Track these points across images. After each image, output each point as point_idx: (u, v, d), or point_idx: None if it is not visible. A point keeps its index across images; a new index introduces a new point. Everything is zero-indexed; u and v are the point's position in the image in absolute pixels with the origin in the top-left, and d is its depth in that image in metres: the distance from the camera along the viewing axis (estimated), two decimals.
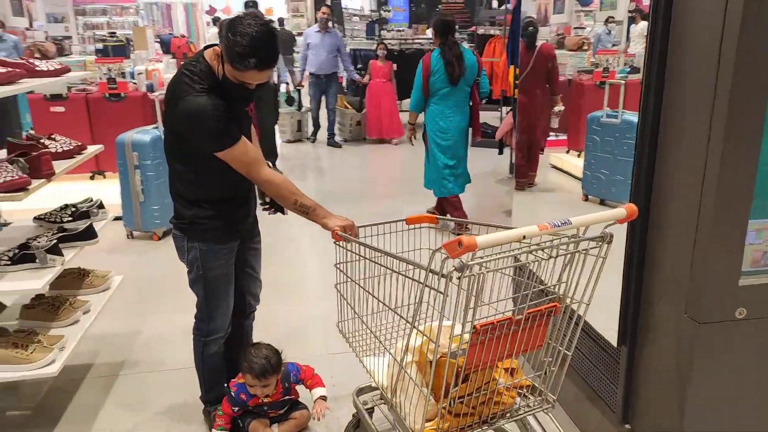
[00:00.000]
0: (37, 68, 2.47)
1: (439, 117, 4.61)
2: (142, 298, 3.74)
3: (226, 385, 2.48)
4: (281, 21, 14.79)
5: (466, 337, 1.66)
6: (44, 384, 2.81)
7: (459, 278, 1.53)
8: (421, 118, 4.83)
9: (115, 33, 11.88)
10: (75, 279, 2.86)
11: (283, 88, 8.30)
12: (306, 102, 8.83)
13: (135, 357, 3.09)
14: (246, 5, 10.69)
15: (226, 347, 2.46)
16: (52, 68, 2.52)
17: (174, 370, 2.92)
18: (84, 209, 2.82)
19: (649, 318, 1.84)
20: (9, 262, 2.27)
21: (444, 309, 1.62)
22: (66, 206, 2.85)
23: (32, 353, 2.23)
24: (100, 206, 2.91)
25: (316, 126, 8.62)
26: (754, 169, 1.53)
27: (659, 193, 1.74)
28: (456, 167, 4.71)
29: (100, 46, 10.97)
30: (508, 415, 1.93)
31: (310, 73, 8.02)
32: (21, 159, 2.24)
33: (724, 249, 1.58)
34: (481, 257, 1.56)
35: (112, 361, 3.05)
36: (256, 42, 1.96)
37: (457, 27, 5.43)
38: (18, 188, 2.09)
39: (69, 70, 2.61)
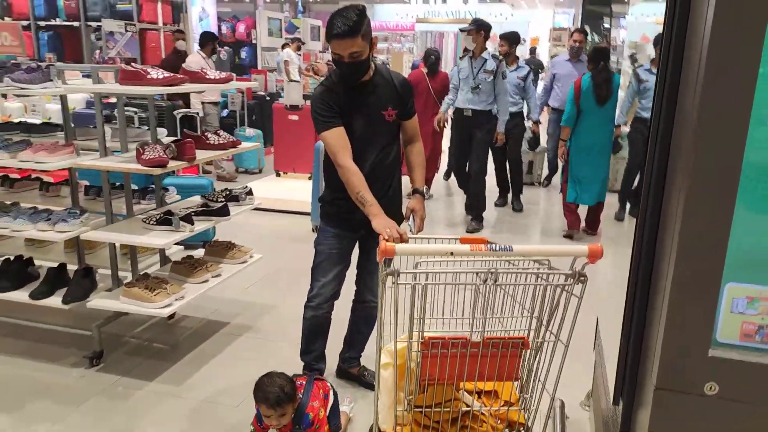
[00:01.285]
0: (207, 76, 3.16)
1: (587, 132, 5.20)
2: (294, 282, 4.33)
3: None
4: (533, 50, 14.84)
5: (414, 345, 1.74)
6: (181, 328, 3.53)
7: (393, 283, 1.63)
8: None
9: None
10: (223, 249, 3.51)
11: (529, 124, 6.82)
12: (543, 140, 7.54)
13: (263, 326, 3.65)
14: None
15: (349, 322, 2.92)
16: (218, 77, 3.19)
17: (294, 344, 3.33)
18: (236, 194, 3.46)
19: (638, 380, 1.66)
20: (155, 223, 2.96)
21: (392, 315, 1.73)
22: (226, 189, 3.53)
23: (156, 296, 2.87)
24: (249, 193, 3.53)
25: (552, 169, 7.45)
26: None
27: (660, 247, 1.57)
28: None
29: None
30: None
31: (552, 108, 6.89)
32: (173, 145, 2.91)
33: (687, 308, 1.40)
34: (422, 269, 1.64)
35: (243, 323, 3.66)
36: (334, 14, 2.37)
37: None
38: (157, 165, 2.75)
39: (232, 79, 3.26)
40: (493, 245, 1.59)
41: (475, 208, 5.83)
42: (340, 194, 2.55)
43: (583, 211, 5.57)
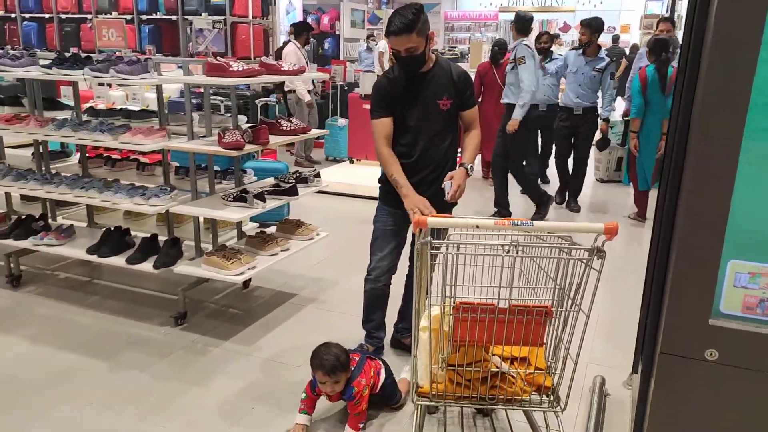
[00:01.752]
0: (281, 69, 3.46)
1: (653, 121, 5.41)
2: (358, 260, 4.60)
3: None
4: (615, 38, 14.27)
5: (447, 309, 1.94)
6: (254, 297, 3.89)
7: (426, 253, 1.83)
8: None
9: (455, 47, 13.42)
10: (292, 226, 3.83)
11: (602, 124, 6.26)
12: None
13: (327, 299, 3.94)
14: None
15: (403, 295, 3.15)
16: (291, 69, 3.49)
17: (355, 315, 3.58)
18: (305, 176, 3.77)
19: (653, 349, 1.79)
20: (232, 200, 3.30)
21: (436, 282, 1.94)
22: (296, 172, 3.84)
23: (231, 264, 3.21)
24: (317, 176, 3.83)
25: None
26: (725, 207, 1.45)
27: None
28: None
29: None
30: (511, 402, 2.09)
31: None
32: (249, 130, 3.24)
33: (691, 282, 1.52)
34: (454, 242, 1.84)
35: (309, 296, 3.97)
36: (393, 13, 2.61)
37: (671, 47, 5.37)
38: (234, 147, 3.08)
39: (304, 71, 3.55)
40: (515, 221, 1.76)
41: (574, 194, 6.18)
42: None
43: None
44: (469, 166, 2.81)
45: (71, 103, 4.28)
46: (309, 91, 7.77)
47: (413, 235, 2.97)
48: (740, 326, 1.50)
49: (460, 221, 1.84)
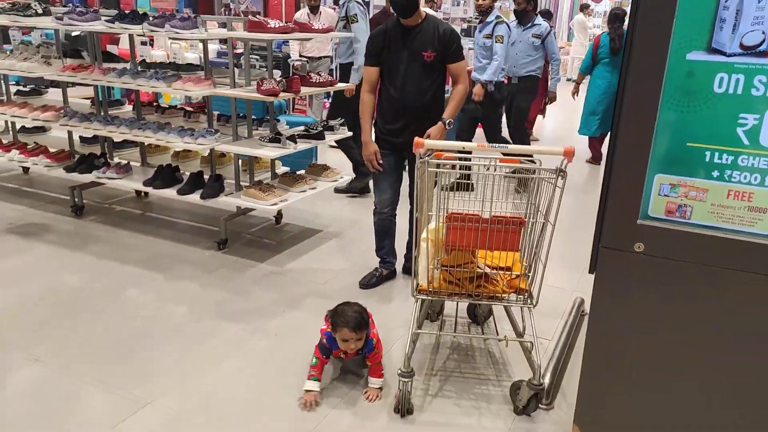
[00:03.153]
0: (312, 27, 3.92)
1: (599, 77, 6.65)
2: None
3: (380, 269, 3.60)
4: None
5: (441, 218, 2.43)
6: (284, 231, 4.43)
7: (424, 171, 2.31)
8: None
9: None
10: (319, 169, 4.34)
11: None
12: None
13: (348, 234, 4.46)
14: None
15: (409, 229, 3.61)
16: (322, 27, 3.95)
17: (372, 247, 4.12)
18: (331, 125, 4.25)
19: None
20: (267, 141, 3.81)
21: (431, 197, 2.42)
22: (324, 121, 4.32)
23: (267, 196, 3.74)
24: (343, 125, 4.31)
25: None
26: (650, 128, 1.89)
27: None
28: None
29: None
30: (493, 299, 2.58)
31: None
32: (284, 79, 3.72)
33: (624, 190, 1.98)
34: (442, 161, 2.32)
35: (333, 231, 4.49)
36: None
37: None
38: (271, 93, 3.57)
39: (332, 30, 4.01)
40: (494, 144, 2.23)
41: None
42: (385, 121, 3.30)
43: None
44: (448, 121, 3.24)
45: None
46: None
47: (409, 172, 3.46)
48: (661, 225, 1.95)
49: (449, 143, 2.31)
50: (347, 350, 2.53)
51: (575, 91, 6.92)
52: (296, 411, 2.46)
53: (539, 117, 7.80)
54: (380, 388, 2.58)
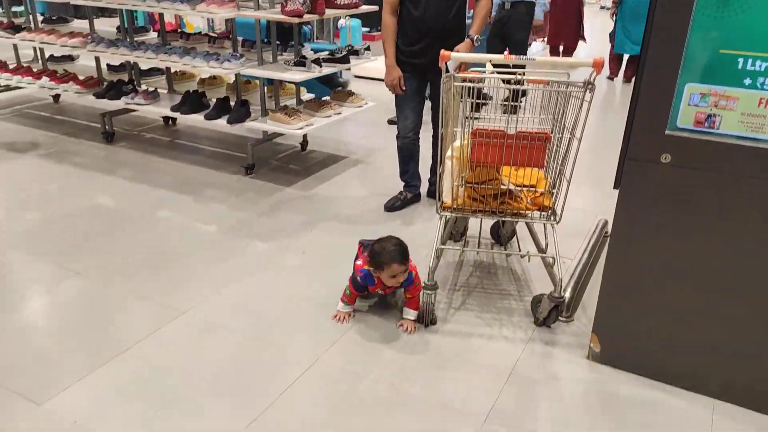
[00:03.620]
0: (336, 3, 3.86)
1: None
2: None
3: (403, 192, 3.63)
4: None
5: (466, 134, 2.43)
6: (310, 158, 4.47)
7: (451, 85, 2.31)
8: None
9: None
10: (344, 95, 4.33)
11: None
12: None
13: (373, 160, 4.49)
14: None
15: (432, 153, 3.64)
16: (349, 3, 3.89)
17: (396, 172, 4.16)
18: (356, 50, 4.21)
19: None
20: (293, 65, 3.80)
21: (460, 112, 2.42)
22: (349, 45, 4.28)
23: (292, 120, 3.77)
24: (368, 49, 4.26)
25: None
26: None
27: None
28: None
29: None
30: (516, 215, 2.61)
31: None
32: (308, 1, 3.67)
33: (654, 100, 1.96)
34: (471, 75, 2.30)
35: (358, 158, 4.53)
36: None
37: None
38: (295, 15, 3.54)
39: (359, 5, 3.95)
40: (521, 56, 2.20)
41: None
42: (406, 43, 3.25)
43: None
44: (475, 37, 3.18)
45: None
46: None
47: (431, 95, 3.44)
48: (689, 135, 1.94)
49: (476, 55, 2.29)
50: (394, 285, 2.48)
51: (614, 13, 7.19)
52: (322, 322, 2.57)
53: (581, 42, 7.64)
54: (416, 321, 2.54)
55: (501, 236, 3.25)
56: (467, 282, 2.90)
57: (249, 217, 3.50)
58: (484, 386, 2.20)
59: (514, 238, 3.24)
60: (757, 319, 2.03)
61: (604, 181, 3.97)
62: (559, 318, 2.59)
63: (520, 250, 3.03)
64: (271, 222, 3.46)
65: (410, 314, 2.55)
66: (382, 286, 2.53)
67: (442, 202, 2.66)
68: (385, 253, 2.42)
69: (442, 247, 2.70)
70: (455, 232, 3.22)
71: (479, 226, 3.23)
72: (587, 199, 3.82)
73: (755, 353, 2.06)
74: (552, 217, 2.58)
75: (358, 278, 2.52)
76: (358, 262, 2.56)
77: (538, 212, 2.60)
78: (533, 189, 2.64)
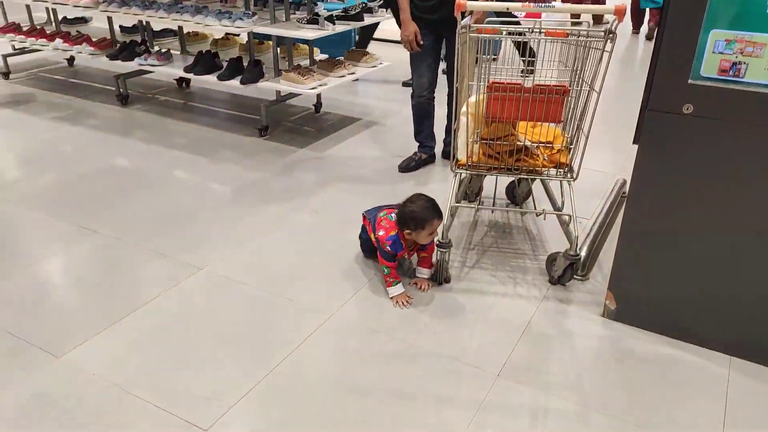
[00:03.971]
0: None
1: None
2: None
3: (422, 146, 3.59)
4: None
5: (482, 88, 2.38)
6: (324, 120, 4.43)
7: (465, 36, 2.25)
8: None
9: None
10: (358, 54, 4.27)
11: None
12: None
13: (388, 122, 4.44)
14: None
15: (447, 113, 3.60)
16: None
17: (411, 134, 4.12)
18: (370, 7, 4.13)
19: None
20: (305, 23, 3.74)
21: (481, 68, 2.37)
22: (362, 3, 4.20)
23: (306, 80, 3.72)
24: (382, 6, 4.18)
25: None
26: None
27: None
28: None
29: None
30: (532, 173, 2.57)
31: None
32: None
33: (677, 48, 1.89)
34: (487, 25, 2.24)
35: (373, 120, 4.48)
36: None
37: None
38: None
39: None
40: (540, 4, 2.13)
41: None
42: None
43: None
44: None
45: None
46: None
47: (446, 55, 3.37)
48: (713, 84, 1.88)
49: (492, 3, 2.23)
50: (428, 242, 2.43)
51: None
52: (336, 278, 2.57)
53: None
54: (429, 279, 2.54)
55: (516, 196, 3.21)
56: (481, 241, 2.88)
57: (263, 178, 3.50)
58: (497, 342, 2.20)
59: (530, 198, 3.20)
60: None
61: (624, 140, 3.90)
62: (575, 276, 2.57)
63: (535, 209, 3.00)
64: (285, 182, 3.45)
65: (424, 273, 2.55)
66: (409, 249, 2.49)
67: (457, 159, 2.62)
68: (423, 211, 2.36)
69: (457, 205, 2.68)
70: (470, 192, 3.19)
71: (494, 185, 3.20)
72: (606, 159, 3.76)
73: None
74: (569, 175, 2.53)
75: (388, 248, 2.41)
76: (381, 233, 2.43)
77: (555, 169, 2.56)
78: (550, 145, 2.59)
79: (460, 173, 2.63)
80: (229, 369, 2.04)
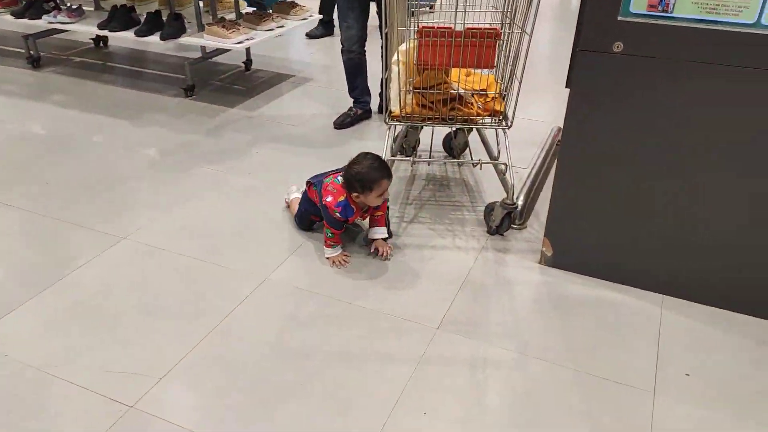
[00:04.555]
0: None
1: None
2: None
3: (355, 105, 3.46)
4: None
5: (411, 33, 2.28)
6: (255, 77, 4.24)
7: None
8: None
9: None
10: (287, 6, 4.06)
11: None
12: None
13: (321, 78, 4.29)
14: None
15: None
16: None
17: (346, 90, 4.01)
18: None
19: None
20: None
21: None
22: None
23: (230, 33, 3.52)
24: None
25: None
26: None
27: None
28: None
29: None
30: (467, 122, 2.51)
31: None
32: None
33: None
34: None
35: (305, 76, 4.31)
36: None
37: None
38: None
39: None
40: None
41: None
42: None
43: None
44: None
45: None
46: None
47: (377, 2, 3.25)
48: (642, 20, 1.85)
49: None
50: (380, 203, 2.28)
51: None
52: (270, 241, 2.47)
53: None
54: (385, 239, 2.40)
55: (453, 148, 3.16)
56: (419, 195, 2.83)
57: (192, 140, 3.32)
58: (437, 295, 2.16)
59: (467, 150, 3.15)
60: (708, 211, 2.01)
61: (560, 87, 3.89)
62: (512, 226, 2.55)
63: (472, 160, 2.96)
64: (216, 144, 3.28)
65: (381, 232, 2.39)
66: (361, 211, 2.35)
67: (390, 111, 2.53)
68: (371, 172, 2.19)
69: (392, 158, 2.60)
70: (407, 147, 3.12)
71: (431, 137, 3.13)
72: (542, 107, 3.74)
73: (703, 247, 2.06)
74: (504, 122, 2.49)
75: (337, 214, 2.25)
76: (328, 199, 2.26)
77: (490, 118, 2.51)
78: (484, 93, 2.53)
79: (394, 126, 2.54)
80: (157, 342, 1.93)
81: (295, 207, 2.55)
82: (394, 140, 2.60)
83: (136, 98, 3.85)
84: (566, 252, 2.28)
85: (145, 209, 2.65)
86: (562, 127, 3.19)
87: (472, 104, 2.50)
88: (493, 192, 2.80)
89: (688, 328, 2.03)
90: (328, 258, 2.34)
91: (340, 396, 1.74)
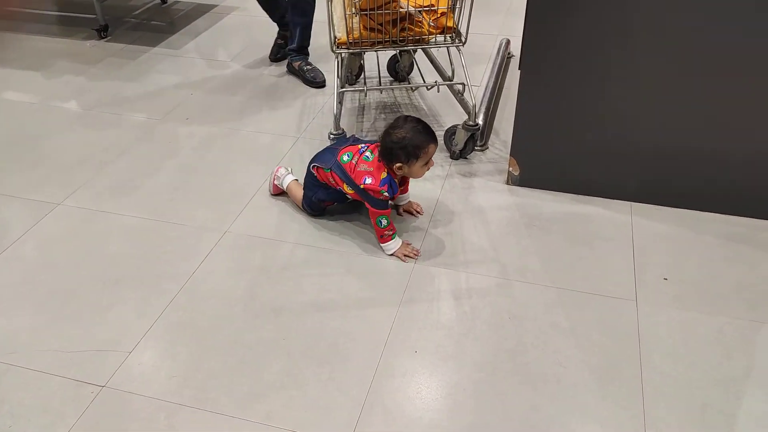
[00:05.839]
0: None
1: None
2: None
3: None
4: None
5: None
6: (174, 11, 3.88)
7: None
8: None
9: None
10: None
11: None
12: None
13: (248, 6, 3.96)
14: None
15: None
16: None
17: None
18: None
19: None
20: None
21: None
22: None
23: None
24: None
25: None
26: None
27: None
28: None
29: None
30: (419, 42, 2.36)
31: None
32: None
33: None
34: None
35: (231, 4, 3.98)
36: None
37: None
38: None
39: None
40: None
41: None
42: None
43: None
44: None
45: None
46: None
47: None
48: None
49: None
50: (423, 175, 1.99)
51: None
52: (221, 193, 2.30)
53: None
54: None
55: (399, 71, 3.01)
56: (373, 126, 2.69)
57: (115, 86, 3.02)
58: (408, 230, 2.09)
59: (414, 71, 3.01)
60: (671, 117, 1.99)
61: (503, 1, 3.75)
62: (475, 148, 2.47)
63: (425, 82, 2.82)
64: (142, 88, 3.00)
65: (407, 198, 2.16)
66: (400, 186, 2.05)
67: (336, 37, 2.35)
68: (417, 135, 1.87)
69: (344, 90, 2.43)
70: (350, 74, 2.94)
71: (377, 63, 2.96)
72: (485, 19, 3.60)
73: (667, 151, 2.05)
74: (457, 40, 2.35)
75: (385, 194, 1.91)
76: (369, 181, 1.90)
77: (442, 36, 2.36)
78: (434, 9, 2.37)
79: (341, 53, 2.36)
80: (118, 313, 1.78)
81: (296, 193, 2.18)
82: (342, 68, 2.43)
83: (45, 45, 3.45)
84: (533, 169, 2.23)
85: (75, 169, 2.41)
86: (509, 38, 3.09)
87: (422, 22, 2.35)
88: (448, 115, 2.70)
89: (659, 233, 2.04)
90: (393, 254, 1.97)
91: (325, 346, 1.66)
